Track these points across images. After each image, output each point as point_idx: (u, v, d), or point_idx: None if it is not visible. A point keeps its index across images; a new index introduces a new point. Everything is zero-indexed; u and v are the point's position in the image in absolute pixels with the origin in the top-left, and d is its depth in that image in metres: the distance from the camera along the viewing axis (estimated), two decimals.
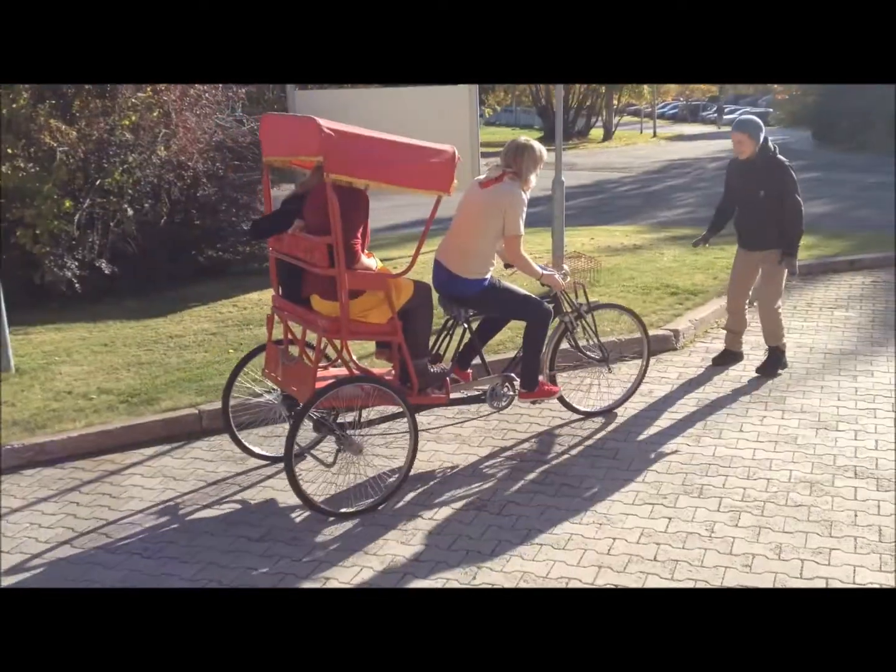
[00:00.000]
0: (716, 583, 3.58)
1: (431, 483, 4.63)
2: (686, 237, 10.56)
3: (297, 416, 4.32)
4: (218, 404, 5.18)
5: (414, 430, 4.57)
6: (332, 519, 4.31)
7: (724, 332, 6.40)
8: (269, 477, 4.79)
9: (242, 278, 8.99)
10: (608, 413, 5.49)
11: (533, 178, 4.87)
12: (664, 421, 5.32)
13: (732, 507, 4.20)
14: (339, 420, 4.68)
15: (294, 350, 4.89)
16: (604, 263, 9.16)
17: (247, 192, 9.55)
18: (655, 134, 45.55)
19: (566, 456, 4.89)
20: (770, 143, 5.80)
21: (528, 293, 5.09)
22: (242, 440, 4.97)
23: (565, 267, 5.40)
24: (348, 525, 4.23)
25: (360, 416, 4.76)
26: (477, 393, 5.10)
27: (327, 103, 11.07)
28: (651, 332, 6.60)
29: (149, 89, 8.74)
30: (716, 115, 53.46)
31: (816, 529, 3.96)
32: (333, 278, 4.33)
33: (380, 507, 4.41)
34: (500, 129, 52.80)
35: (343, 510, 4.37)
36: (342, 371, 4.90)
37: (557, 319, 5.33)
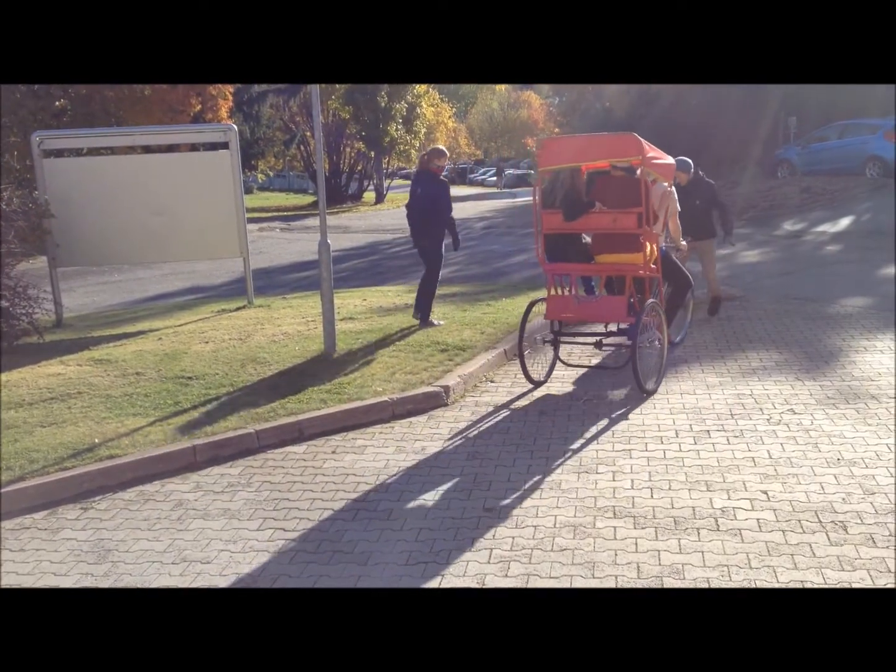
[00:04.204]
0: None
1: (196, 563, 4.39)
2: (456, 294, 10.89)
3: (634, 330, 6.57)
4: None
5: (667, 340, 7.23)
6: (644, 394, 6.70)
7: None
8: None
9: None
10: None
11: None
12: (436, 477, 5.36)
13: (502, 558, 4.26)
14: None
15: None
16: (375, 324, 9.26)
17: None
18: None
19: (340, 521, 4.80)
20: (699, 171, 9.20)
21: (685, 269, 7.83)
22: (531, 374, 7.14)
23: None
24: None
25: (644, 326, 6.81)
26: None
27: (77, 170, 10.63)
28: (421, 390, 6.75)
29: None
30: (492, 177, 56.16)
31: (580, 572, 4.08)
32: (632, 238, 6.70)
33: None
34: (274, 194, 52.76)
35: (652, 386, 6.82)
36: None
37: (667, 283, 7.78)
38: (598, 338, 7.17)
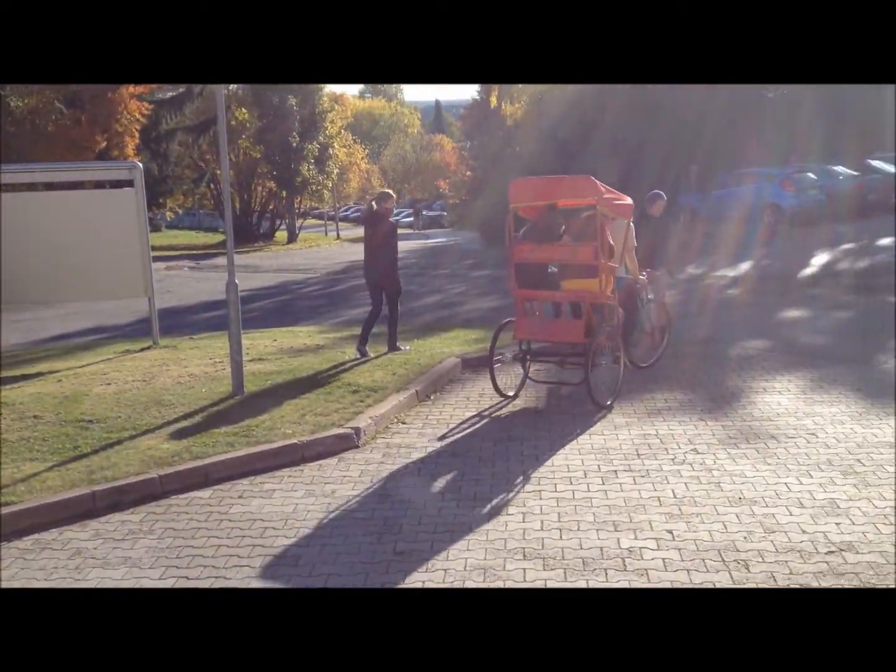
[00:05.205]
0: None
1: None
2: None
3: (588, 350, 7.37)
4: None
5: (624, 361, 8.04)
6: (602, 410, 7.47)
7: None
8: None
9: None
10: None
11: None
12: (346, 521, 5.29)
13: None
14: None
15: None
16: (286, 365, 9.15)
17: None
18: (339, 236, 46.97)
19: (245, 568, 4.68)
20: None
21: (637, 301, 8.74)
22: (500, 387, 8.01)
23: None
24: None
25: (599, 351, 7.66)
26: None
27: None
28: (332, 432, 6.68)
29: None
30: (406, 218, 55.46)
31: None
32: (593, 266, 7.43)
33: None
34: (184, 233, 52.00)
35: (608, 403, 7.57)
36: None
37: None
38: (560, 357, 8.13)
